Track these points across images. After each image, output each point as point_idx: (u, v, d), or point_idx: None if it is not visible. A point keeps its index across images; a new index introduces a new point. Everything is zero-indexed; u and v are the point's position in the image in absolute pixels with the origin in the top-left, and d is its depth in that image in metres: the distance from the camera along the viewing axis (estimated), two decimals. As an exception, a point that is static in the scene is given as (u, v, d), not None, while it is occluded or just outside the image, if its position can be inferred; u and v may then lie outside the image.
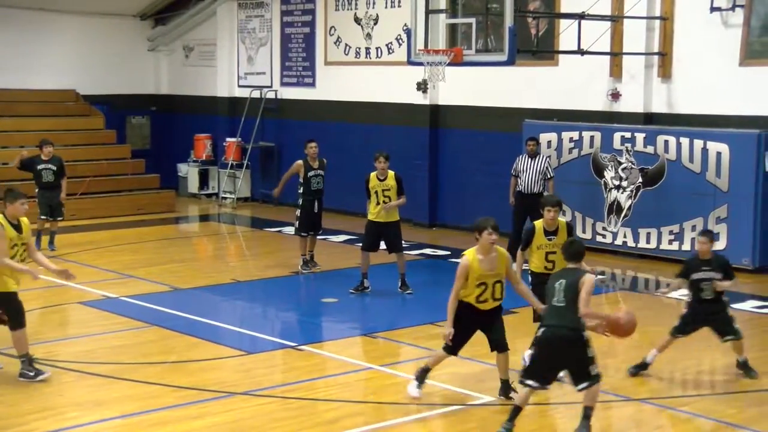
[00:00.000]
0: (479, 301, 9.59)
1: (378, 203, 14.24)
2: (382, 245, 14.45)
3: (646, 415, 9.57)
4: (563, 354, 8.67)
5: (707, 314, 10.58)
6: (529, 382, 8.74)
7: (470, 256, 9.57)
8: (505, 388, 9.73)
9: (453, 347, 9.72)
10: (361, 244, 14.75)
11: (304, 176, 15.48)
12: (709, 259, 10.53)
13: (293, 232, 16.03)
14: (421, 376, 9.90)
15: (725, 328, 10.63)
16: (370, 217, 14.36)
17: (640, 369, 10.71)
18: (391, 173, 14.27)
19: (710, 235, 10.74)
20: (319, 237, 18.75)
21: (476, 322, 9.69)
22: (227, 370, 10.85)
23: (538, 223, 10.85)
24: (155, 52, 26.39)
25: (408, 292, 14.29)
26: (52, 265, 10.69)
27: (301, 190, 15.59)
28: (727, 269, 10.59)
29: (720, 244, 15.90)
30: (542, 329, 8.84)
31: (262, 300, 14.74)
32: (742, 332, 10.71)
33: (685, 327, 10.67)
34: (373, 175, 14.30)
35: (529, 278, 10.87)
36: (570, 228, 10.98)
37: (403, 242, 14.64)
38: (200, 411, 9.45)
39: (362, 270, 14.45)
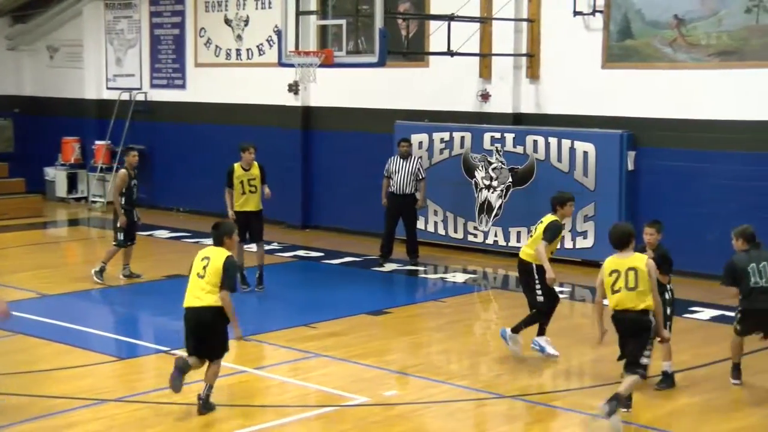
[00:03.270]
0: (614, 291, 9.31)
1: (244, 193, 14.45)
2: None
3: (518, 412, 9.74)
4: None
5: None
6: None
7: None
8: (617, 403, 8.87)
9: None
10: None
11: (128, 186, 15.11)
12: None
13: (115, 243, 15.24)
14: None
15: None
16: (235, 208, 14.49)
17: None
18: (255, 163, 14.57)
19: (655, 225, 10.36)
20: (192, 240, 18.69)
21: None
22: (99, 377, 10.64)
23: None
24: (16, 51, 25.65)
25: (260, 287, 14.44)
26: None
27: (123, 201, 15.08)
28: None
29: (587, 242, 16.33)
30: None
31: (134, 305, 14.51)
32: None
33: None
34: (237, 165, 14.53)
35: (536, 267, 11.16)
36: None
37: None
38: (69, 420, 9.24)
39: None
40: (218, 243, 9.64)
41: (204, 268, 9.46)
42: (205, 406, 9.39)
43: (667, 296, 10.18)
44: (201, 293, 9.40)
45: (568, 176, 16.44)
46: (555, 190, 16.38)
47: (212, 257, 9.51)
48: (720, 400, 10.03)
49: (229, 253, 9.53)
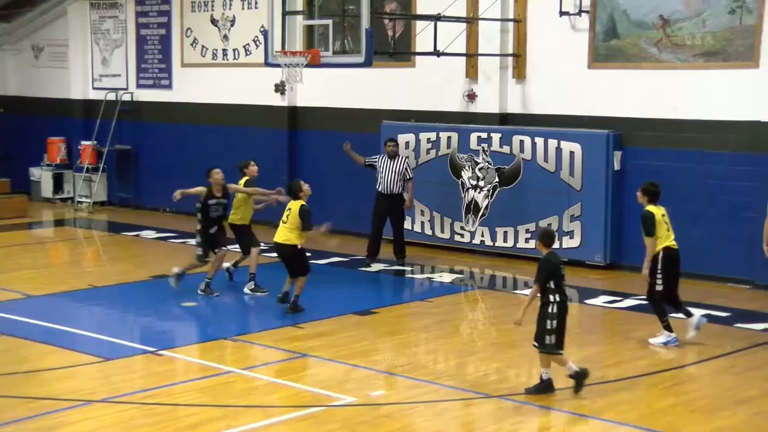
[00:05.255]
0: None
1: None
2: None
3: (505, 412, 9.75)
4: None
5: None
6: None
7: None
8: None
9: None
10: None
11: (204, 203, 14.36)
12: None
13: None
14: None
15: None
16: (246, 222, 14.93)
17: None
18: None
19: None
20: (178, 240, 18.69)
21: None
22: (85, 378, 10.61)
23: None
24: (0, 50, 25.57)
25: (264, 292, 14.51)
26: None
27: (199, 216, 14.46)
28: None
29: (574, 242, 16.36)
30: None
31: (120, 305, 14.47)
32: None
33: None
34: (250, 181, 14.92)
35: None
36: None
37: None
38: (55, 421, 9.21)
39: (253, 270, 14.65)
40: (295, 197, 13.27)
41: (287, 216, 13.13)
42: (293, 308, 13.21)
43: (550, 309, 9.88)
44: (284, 233, 13.14)
45: (555, 176, 16.47)
46: (542, 190, 16.59)
47: (293, 208, 13.13)
48: (706, 398, 10.07)
49: (303, 203, 13.18)
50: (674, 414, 9.58)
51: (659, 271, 11.82)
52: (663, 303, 11.95)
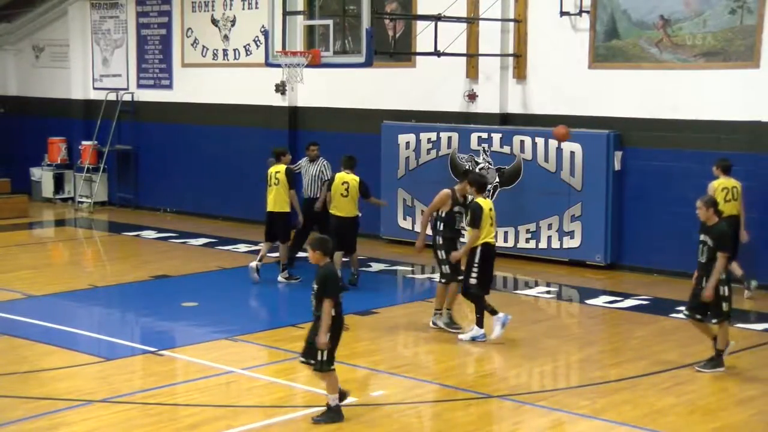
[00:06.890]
0: None
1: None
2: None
3: (506, 412, 9.75)
4: None
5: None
6: None
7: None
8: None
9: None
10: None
11: (450, 210, 12.82)
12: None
13: (443, 281, 12.77)
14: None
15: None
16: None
17: None
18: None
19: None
20: (179, 240, 18.65)
21: None
22: (84, 378, 10.61)
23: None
24: (1, 50, 25.55)
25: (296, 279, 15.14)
26: None
27: (442, 226, 12.86)
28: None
29: (574, 242, 16.36)
30: None
31: (120, 305, 14.48)
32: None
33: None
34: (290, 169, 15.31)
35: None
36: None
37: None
38: (53, 422, 9.20)
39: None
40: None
41: (346, 189, 14.46)
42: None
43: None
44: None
45: (555, 176, 16.47)
46: (542, 190, 16.57)
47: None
48: (706, 398, 10.07)
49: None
50: (674, 414, 9.58)
51: (475, 265, 11.91)
52: (481, 297, 12.01)
